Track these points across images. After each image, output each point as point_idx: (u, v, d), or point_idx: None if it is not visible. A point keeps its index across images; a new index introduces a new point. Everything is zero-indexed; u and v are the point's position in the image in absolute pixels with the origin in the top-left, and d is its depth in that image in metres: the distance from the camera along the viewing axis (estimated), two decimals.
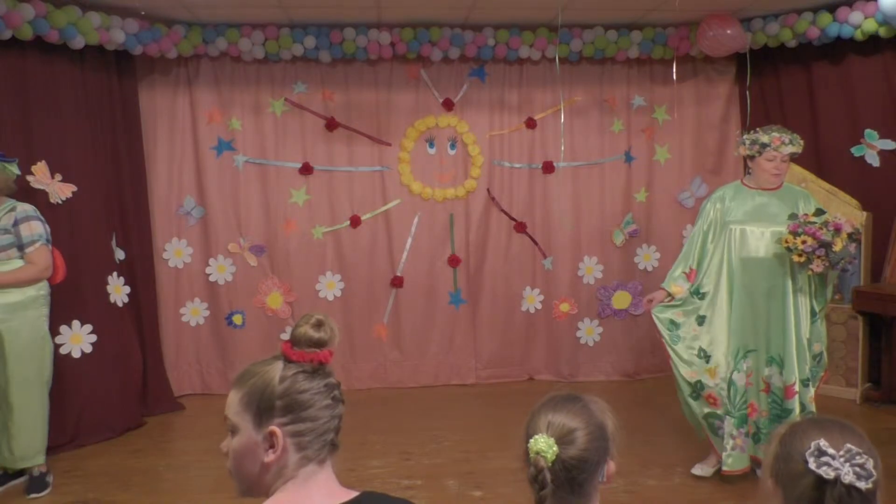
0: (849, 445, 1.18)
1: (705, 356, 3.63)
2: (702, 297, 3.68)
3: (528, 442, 1.34)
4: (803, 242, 3.32)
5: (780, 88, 5.36)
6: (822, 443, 1.17)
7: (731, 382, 3.59)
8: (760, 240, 3.54)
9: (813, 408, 3.53)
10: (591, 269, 5.60)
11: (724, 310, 3.62)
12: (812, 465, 1.16)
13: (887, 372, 4.73)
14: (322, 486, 1.30)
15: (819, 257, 3.32)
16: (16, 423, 3.60)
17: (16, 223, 3.60)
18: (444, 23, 5.09)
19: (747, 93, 5.39)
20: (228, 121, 5.24)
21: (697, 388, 3.62)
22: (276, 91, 5.27)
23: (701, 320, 3.66)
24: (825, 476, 1.15)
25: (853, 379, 4.84)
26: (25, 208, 3.68)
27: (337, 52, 5.07)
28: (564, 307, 5.58)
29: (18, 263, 3.60)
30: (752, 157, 3.59)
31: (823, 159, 5.14)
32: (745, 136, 3.64)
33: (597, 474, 1.37)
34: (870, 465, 1.16)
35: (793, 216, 3.46)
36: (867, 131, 4.95)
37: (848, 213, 4.85)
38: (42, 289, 3.70)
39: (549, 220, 5.55)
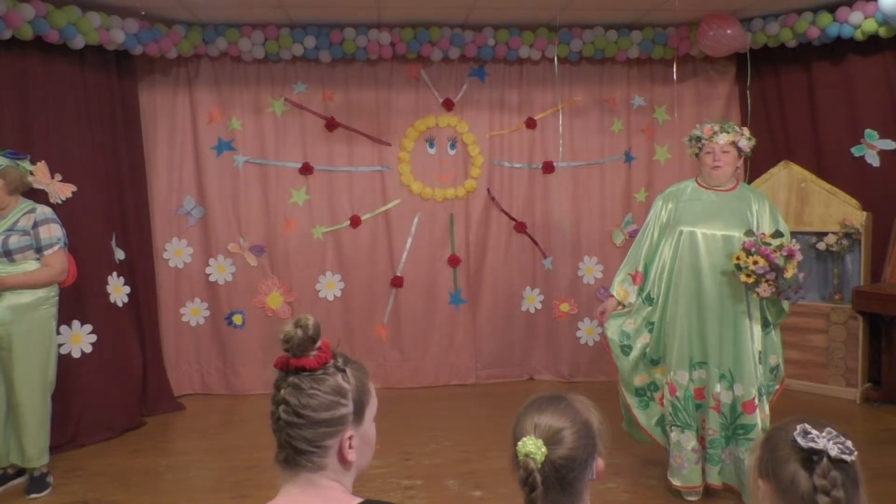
0: (829, 428, 1.27)
1: (653, 363, 3.50)
2: (651, 302, 3.50)
3: (515, 445, 1.35)
4: (755, 263, 3.12)
5: (780, 88, 5.36)
6: (806, 426, 1.26)
7: (686, 391, 3.38)
8: (711, 243, 3.33)
9: (766, 424, 3.26)
10: (591, 270, 5.60)
11: (675, 317, 3.38)
12: (800, 442, 1.24)
13: (887, 372, 4.72)
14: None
15: (767, 281, 3.13)
16: (24, 423, 3.61)
17: (35, 225, 3.60)
18: (444, 23, 5.10)
19: (747, 93, 5.39)
20: (228, 121, 5.24)
21: (649, 391, 3.50)
22: (276, 91, 5.27)
23: (650, 327, 3.48)
24: (814, 447, 1.22)
25: (853, 379, 4.84)
26: (45, 210, 3.68)
27: (337, 52, 5.07)
28: (564, 307, 5.58)
29: (34, 265, 3.61)
30: (697, 156, 3.47)
31: (823, 159, 5.15)
32: (686, 138, 3.54)
33: (586, 472, 1.37)
34: (850, 443, 1.24)
35: (749, 232, 3.25)
36: (867, 131, 4.95)
37: (848, 212, 4.86)
38: (52, 290, 3.71)
39: (549, 220, 5.54)
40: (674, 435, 3.41)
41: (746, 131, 3.44)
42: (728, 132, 3.37)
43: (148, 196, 5.12)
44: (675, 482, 3.42)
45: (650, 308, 3.51)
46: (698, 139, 3.43)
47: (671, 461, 3.44)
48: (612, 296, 3.58)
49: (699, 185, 3.50)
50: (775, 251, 3.12)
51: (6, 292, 3.50)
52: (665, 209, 3.54)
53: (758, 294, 3.19)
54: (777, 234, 3.26)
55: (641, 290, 3.54)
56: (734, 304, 3.30)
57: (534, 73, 5.45)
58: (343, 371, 1.29)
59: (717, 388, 3.32)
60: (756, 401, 3.28)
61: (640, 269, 3.54)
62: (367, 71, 5.33)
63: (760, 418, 3.28)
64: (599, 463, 1.40)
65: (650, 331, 3.49)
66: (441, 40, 5.10)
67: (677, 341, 3.38)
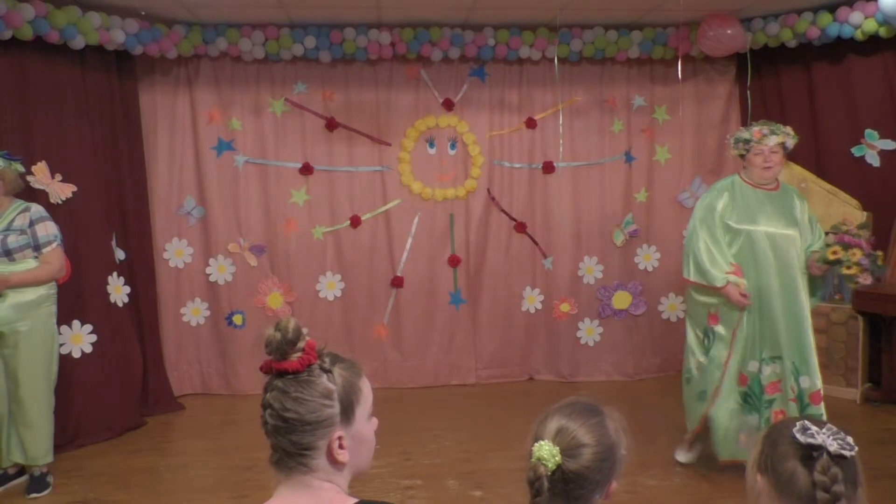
0: (829, 425, 1.26)
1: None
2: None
3: (533, 443, 1.32)
4: (853, 255, 3.34)
5: (781, 88, 5.36)
6: (806, 422, 1.27)
7: (756, 379, 3.52)
8: (773, 241, 3.47)
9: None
10: (591, 269, 5.59)
11: (742, 313, 3.50)
12: (799, 437, 1.24)
13: (887, 372, 4.72)
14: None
15: (866, 270, 3.36)
16: (28, 422, 3.61)
17: (31, 224, 3.61)
18: (444, 23, 5.09)
19: (747, 93, 5.39)
20: (228, 121, 5.24)
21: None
22: (276, 91, 5.27)
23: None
24: (813, 443, 1.22)
25: (853, 379, 4.84)
26: (38, 209, 3.70)
27: (337, 53, 5.07)
28: (564, 307, 5.58)
29: (34, 263, 3.61)
30: (743, 157, 3.58)
31: (823, 159, 5.14)
32: (731, 138, 3.64)
33: (597, 492, 1.33)
34: (850, 439, 1.24)
35: (836, 227, 3.49)
36: (867, 131, 4.95)
37: (848, 213, 4.85)
38: (52, 287, 3.72)
39: (549, 220, 5.54)
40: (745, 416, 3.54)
41: (791, 130, 3.55)
42: (777, 133, 3.49)
43: (148, 196, 5.12)
44: (724, 455, 3.57)
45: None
46: (746, 141, 3.52)
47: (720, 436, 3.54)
48: (730, 283, 3.47)
49: (744, 181, 3.60)
50: (868, 241, 3.40)
51: (9, 291, 3.50)
52: (720, 203, 3.57)
53: (857, 283, 3.43)
54: (862, 226, 3.54)
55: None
56: (798, 300, 3.46)
57: (534, 73, 5.45)
58: (329, 372, 1.28)
59: (792, 380, 3.47)
60: (821, 392, 3.47)
61: (734, 261, 3.53)
62: (367, 71, 5.33)
63: (824, 408, 3.47)
64: (613, 485, 1.36)
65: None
66: (441, 40, 5.10)
67: (748, 336, 3.50)
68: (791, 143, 3.53)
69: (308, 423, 1.25)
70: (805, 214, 3.58)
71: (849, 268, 3.36)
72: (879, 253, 3.44)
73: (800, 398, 3.46)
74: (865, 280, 3.38)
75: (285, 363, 1.25)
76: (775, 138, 3.46)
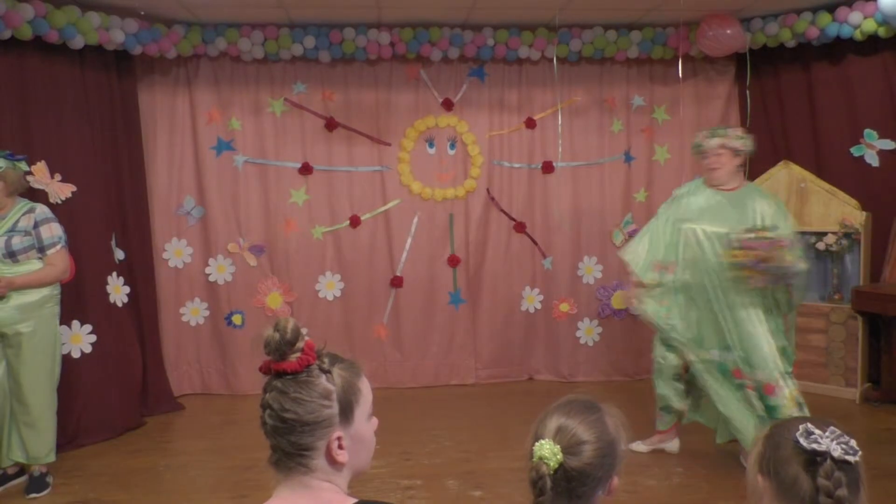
0: (833, 427, 1.24)
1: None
2: (675, 292, 3.74)
3: (534, 443, 1.32)
4: (743, 256, 3.38)
5: (780, 88, 5.36)
6: (809, 425, 1.24)
7: (722, 365, 3.65)
8: (713, 240, 3.58)
9: (799, 398, 3.54)
10: (590, 269, 5.60)
11: (691, 308, 3.69)
12: (803, 443, 1.21)
13: (887, 372, 4.73)
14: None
15: (760, 272, 3.36)
16: (30, 422, 3.62)
17: (36, 225, 3.61)
18: (444, 23, 5.10)
19: (747, 93, 5.39)
20: (228, 121, 5.24)
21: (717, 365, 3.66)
22: (275, 91, 5.27)
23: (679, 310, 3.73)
24: (817, 448, 1.20)
25: (853, 379, 4.84)
26: (44, 210, 3.69)
27: (336, 52, 5.07)
28: (564, 307, 5.58)
29: (38, 265, 3.61)
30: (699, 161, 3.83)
31: (823, 159, 5.15)
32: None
33: (599, 488, 1.34)
34: (854, 443, 1.22)
35: (748, 230, 3.44)
36: (866, 131, 4.95)
37: (847, 212, 4.86)
38: (55, 288, 3.72)
39: (548, 220, 5.54)
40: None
41: (736, 132, 3.67)
42: (717, 136, 3.65)
43: (147, 196, 5.12)
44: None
45: (677, 295, 3.72)
46: (699, 146, 3.74)
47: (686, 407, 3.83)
48: (641, 281, 3.77)
49: (707, 185, 3.76)
50: (757, 241, 3.35)
51: (13, 292, 3.50)
52: (676, 203, 3.81)
53: (752, 284, 3.42)
54: (773, 227, 3.43)
55: (660, 273, 3.74)
56: (737, 296, 3.53)
57: (533, 73, 5.45)
58: (328, 372, 1.28)
59: (747, 369, 3.57)
60: (778, 383, 3.50)
61: (661, 258, 3.75)
62: (366, 71, 5.33)
63: (789, 398, 3.50)
64: (614, 480, 1.37)
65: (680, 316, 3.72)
66: (441, 40, 5.10)
67: (697, 326, 3.67)
68: (738, 143, 3.63)
69: (307, 423, 1.25)
70: (768, 212, 3.57)
71: (739, 269, 3.42)
72: (779, 256, 3.33)
73: (757, 389, 3.56)
74: (756, 283, 3.40)
75: (284, 364, 1.25)
76: (716, 140, 3.62)
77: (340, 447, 1.28)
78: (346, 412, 1.29)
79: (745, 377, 3.58)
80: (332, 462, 1.28)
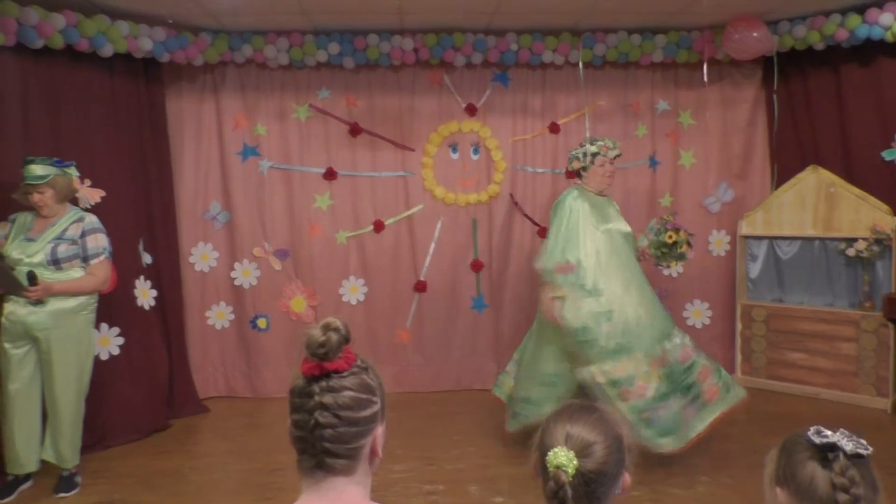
0: (842, 429, 1.29)
1: (625, 350, 3.69)
2: (598, 293, 3.76)
3: (545, 454, 1.32)
4: (681, 235, 3.98)
5: (808, 92, 5.28)
6: (818, 427, 1.30)
7: (666, 360, 3.72)
8: (624, 238, 3.97)
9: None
10: None
11: (627, 304, 3.75)
12: (815, 440, 1.26)
13: None
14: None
15: (690, 246, 4.04)
16: (60, 424, 3.68)
17: (83, 235, 3.67)
18: (467, 28, 5.10)
19: (774, 96, 5.32)
20: (254, 126, 5.30)
21: (624, 384, 3.65)
22: (300, 97, 5.32)
23: (609, 315, 3.72)
24: (828, 442, 1.25)
25: (884, 388, 4.74)
26: (92, 220, 3.75)
27: (360, 59, 5.10)
28: None
29: (80, 273, 3.67)
30: (584, 168, 4.00)
31: (852, 164, 5.06)
32: (574, 152, 4.06)
33: (614, 487, 1.35)
34: (863, 441, 1.26)
35: (662, 219, 4.07)
36: None
37: (878, 218, 4.76)
38: (92, 297, 3.77)
39: None
40: (673, 403, 3.67)
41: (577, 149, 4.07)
42: (616, 148, 4.08)
43: (174, 201, 5.19)
44: (670, 446, 3.65)
45: (600, 298, 3.73)
46: (594, 154, 4.01)
47: (663, 424, 3.65)
48: (555, 289, 3.93)
49: (589, 190, 4.03)
50: (676, 221, 4.07)
51: (50, 297, 3.56)
52: (583, 208, 3.91)
53: (689, 257, 4.09)
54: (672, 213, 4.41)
55: (577, 279, 3.80)
56: (647, 282, 3.98)
57: (557, 77, 5.44)
58: (366, 369, 1.31)
59: (688, 341, 3.87)
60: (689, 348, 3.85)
61: (572, 259, 3.84)
62: (390, 77, 5.36)
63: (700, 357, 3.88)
64: (626, 477, 1.38)
65: (608, 319, 3.70)
66: (464, 46, 5.11)
67: (643, 324, 3.74)
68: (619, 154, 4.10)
69: (359, 419, 1.27)
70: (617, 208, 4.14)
71: (682, 246, 3.96)
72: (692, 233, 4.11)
73: (676, 362, 3.75)
74: (690, 254, 4.05)
75: (336, 363, 1.26)
76: (616, 152, 4.03)
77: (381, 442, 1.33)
78: (384, 408, 1.33)
79: (692, 354, 3.79)
80: (373, 457, 1.32)
